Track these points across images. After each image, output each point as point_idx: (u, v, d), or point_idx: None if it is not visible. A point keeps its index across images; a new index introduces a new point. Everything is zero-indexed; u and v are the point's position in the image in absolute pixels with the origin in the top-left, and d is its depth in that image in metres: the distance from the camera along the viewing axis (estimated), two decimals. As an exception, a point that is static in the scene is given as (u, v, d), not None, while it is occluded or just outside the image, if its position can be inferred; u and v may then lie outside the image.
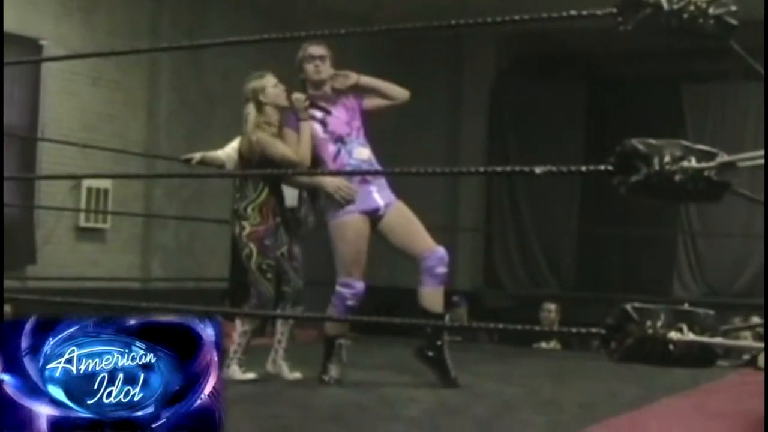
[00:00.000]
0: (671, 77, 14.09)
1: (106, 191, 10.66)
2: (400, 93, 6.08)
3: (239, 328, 6.08)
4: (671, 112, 14.05)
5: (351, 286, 5.75)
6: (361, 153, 5.90)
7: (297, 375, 6.06)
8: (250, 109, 6.09)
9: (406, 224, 5.88)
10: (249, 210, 6.00)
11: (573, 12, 3.19)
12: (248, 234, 5.99)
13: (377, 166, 6.01)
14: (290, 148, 5.92)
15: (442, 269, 5.79)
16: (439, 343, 5.76)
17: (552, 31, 13.12)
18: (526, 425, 4.61)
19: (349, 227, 5.79)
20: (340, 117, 5.95)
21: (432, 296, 5.80)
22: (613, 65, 14.23)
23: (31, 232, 9.84)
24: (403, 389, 5.64)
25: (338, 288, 5.78)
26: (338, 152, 5.88)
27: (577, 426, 4.52)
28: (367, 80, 6.05)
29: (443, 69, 14.98)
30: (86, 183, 10.44)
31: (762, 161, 3.04)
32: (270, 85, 6.10)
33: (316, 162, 5.89)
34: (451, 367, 5.77)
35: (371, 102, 6.08)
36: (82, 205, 10.47)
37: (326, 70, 5.95)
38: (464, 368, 6.07)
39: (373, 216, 5.84)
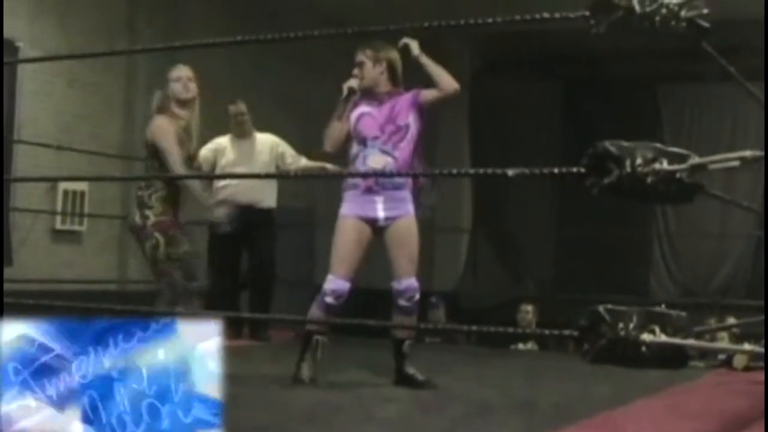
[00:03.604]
0: (648, 78, 14.12)
1: (82, 193, 10.62)
2: (449, 83, 5.86)
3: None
4: (648, 113, 14.09)
5: (332, 282, 5.75)
6: (377, 161, 5.79)
7: None
8: (157, 96, 6.14)
9: (394, 244, 5.83)
10: (153, 199, 5.90)
11: (546, 14, 3.21)
12: (153, 224, 5.86)
13: (389, 178, 5.82)
14: (178, 155, 5.89)
15: (402, 302, 5.80)
16: (401, 367, 5.86)
17: (528, 32, 13.13)
18: (501, 426, 4.61)
19: (343, 227, 5.82)
20: (376, 119, 5.87)
21: (397, 322, 5.90)
22: (590, 66, 14.22)
23: (7, 234, 9.79)
24: (378, 390, 5.64)
25: (324, 284, 5.80)
26: (357, 155, 5.85)
27: (552, 426, 4.53)
28: (425, 60, 5.87)
29: (419, 69, 14.93)
30: (62, 185, 10.39)
31: (736, 163, 3.05)
32: (172, 77, 6.07)
33: None
34: (418, 375, 5.82)
35: (427, 95, 5.92)
36: (59, 207, 10.43)
37: (369, 72, 5.87)
38: (441, 369, 6.06)
39: (374, 225, 5.83)
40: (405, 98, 5.92)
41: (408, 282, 5.80)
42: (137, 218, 5.92)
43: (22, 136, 9.87)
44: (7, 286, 9.25)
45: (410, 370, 5.86)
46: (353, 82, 5.88)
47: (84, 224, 10.75)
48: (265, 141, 8.38)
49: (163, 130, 5.95)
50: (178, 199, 6.07)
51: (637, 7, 2.88)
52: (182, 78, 6.09)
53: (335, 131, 5.88)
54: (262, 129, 8.49)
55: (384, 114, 5.87)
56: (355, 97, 5.90)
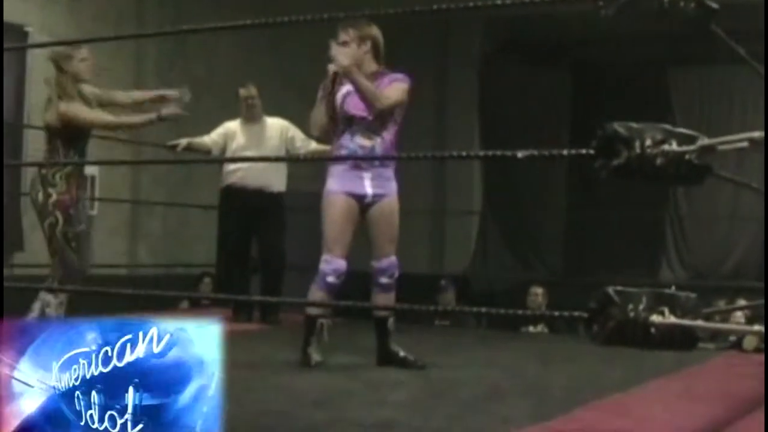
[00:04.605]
0: (658, 62, 14.10)
1: (92, 178, 10.62)
2: (376, 100, 5.69)
3: (54, 300, 6.03)
4: (658, 97, 14.07)
5: (331, 263, 5.73)
6: (364, 140, 5.78)
7: None
8: (54, 75, 6.18)
9: (380, 223, 5.84)
10: (57, 177, 6.02)
11: (555, -4, 3.21)
12: (55, 202, 6.00)
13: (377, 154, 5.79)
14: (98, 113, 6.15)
15: (384, 279, 5.84)
16: (386, 345, 5.90)
17: (538, 16, 13.11)
18: (512, 408, 4.62)
19: (331, 205, 5.78)
20: (362, 99, 5.76)
21: (377, 302, 5.92)
22: (600, 50, 14.21)
23: (18, 219, 9.81)
24: (389, 373, 5.64)
25: (320, 265, 5.78)
26: (343, 132, 5.80)
27: (563, 409, 4.53)
28: (355, 76, 5.66)
29: (429, 53, 14.92)
30: (73, 169, 10.41)
31: (744, 144, 3.05)
32: (78, 56, 6.15)
33: None
34: (406, 354, 5.87)
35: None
36: (69, 191, 10.44)
37: (355, 52, 5.78)
38: (451, 352, 6.06)
39: (361, 202, 5.82)
40: (390, 79, 5.87)
41: (389, 260, 5.86)
42: (40, 195, 6.06)
43: (32, 121, 9.88)
44: (18, 271, 9.30)
45: (395, 347, 5.89)
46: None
47: (95, 208, 10.76)
48: (275, 125, 8.37)
49: (73, 112, 6.09)
50: (82, 173, 6.25)
51: (647, -11, 2.88)
52: (88, 59, 6.23)
53: (321, 116, 5.85)
54: (273, 113, 8.48)
55: None
56: (339, 78, 5.86)
